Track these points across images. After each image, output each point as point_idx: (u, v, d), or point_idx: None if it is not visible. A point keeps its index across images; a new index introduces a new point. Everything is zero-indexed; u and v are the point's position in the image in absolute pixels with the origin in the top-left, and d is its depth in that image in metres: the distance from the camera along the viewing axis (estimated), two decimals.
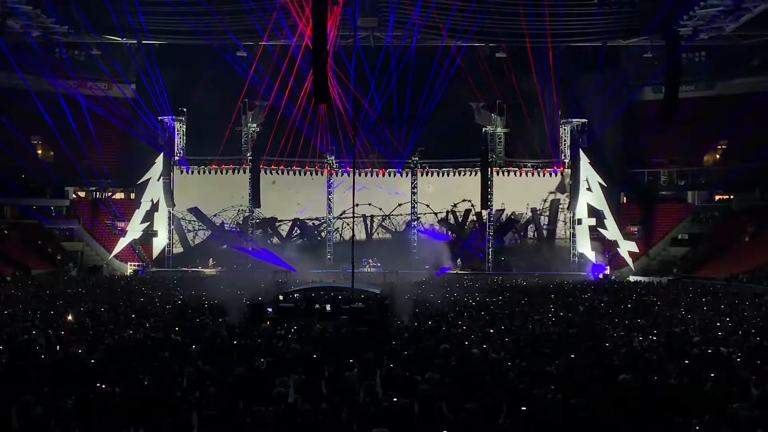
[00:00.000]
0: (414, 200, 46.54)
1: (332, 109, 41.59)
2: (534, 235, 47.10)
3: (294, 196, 46.53)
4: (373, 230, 47.41)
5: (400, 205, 46.99)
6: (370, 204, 45.77)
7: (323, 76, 21.89)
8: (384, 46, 42.22)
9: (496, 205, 45.66)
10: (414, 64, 42.29)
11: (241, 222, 46.44)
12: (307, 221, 47.56)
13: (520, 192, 45.85)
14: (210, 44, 41.52)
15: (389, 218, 47.31)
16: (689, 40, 39.94)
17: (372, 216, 46.98)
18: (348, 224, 46.15)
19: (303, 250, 42.10)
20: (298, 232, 47.65)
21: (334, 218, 46.61)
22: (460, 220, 47.56)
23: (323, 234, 47.21)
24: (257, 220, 45.86)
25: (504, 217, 46.63)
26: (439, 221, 47.54)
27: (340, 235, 46.99)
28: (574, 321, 18.40)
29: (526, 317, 19.26)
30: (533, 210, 46.46)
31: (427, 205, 47.08)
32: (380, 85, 42.33)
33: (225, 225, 46.34)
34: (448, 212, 47.59)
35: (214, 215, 46.22)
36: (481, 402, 9.21)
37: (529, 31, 40.02)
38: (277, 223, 47.20)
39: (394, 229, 47.58)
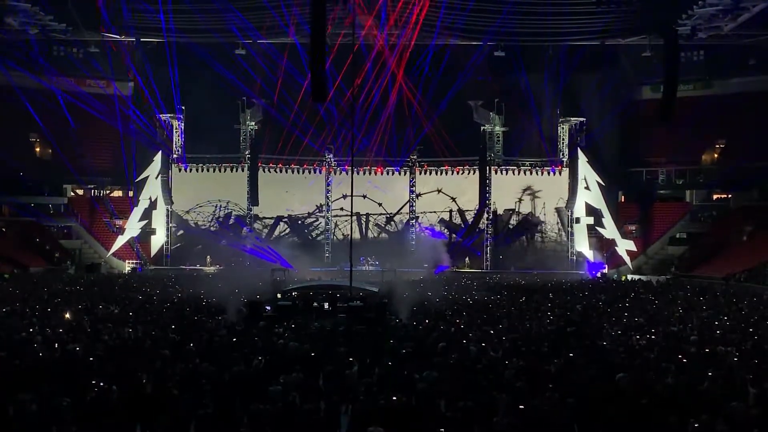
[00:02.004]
0: (413, 198, 46.37)
1: (331, 108, 41.54)
2: (558, 237, 46.44)
3: (288, 197, 46.10)
4: (373, 231, 47.00)
5: (413, 197, 46.17)
6: (365, 197, 45.06)
7: (321, 74, 21.82)
8: (376, 43, 42.11)
9: (507, 205, 45.68)
10: (412, 62, 42.23)
11: (221, 219, 46.04)
12: (298, 219, 47.30)
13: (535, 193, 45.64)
14: (209, 42, 41.45)
15: (393, 219, 47.02)
16: (688, 40, 39.95)
17: (367, 214, 46.71)
18: (338, 224, 46.03)
19: (297, 248, 41.92)
20: (288, 230, 47.30)
21: (332, 217, 46.26)
22: (468, 220, 47.04)
23: (314, 233, 47.00)
24: (235, 219, 45.28)
25: (515, 217, 46.39)
26: (439, 221, 47.33)
27: (333, 234, 46.64)
28: (572, 320, 18.41)
29: (524, 316, 19.27)
30: (558, 209, 46.03)
31: (453, 199, 46.49)
32: (378, 83, 42.27)
33: (190, 222, 45.59)
34: (452, 211, 47.37)
35: (187, 212, 45.68)
36: (478, 400, 9.22)
37: (528, 29, 39.99)
38: (257, 222, 46.21)
39: (395, 228, 47.31)
